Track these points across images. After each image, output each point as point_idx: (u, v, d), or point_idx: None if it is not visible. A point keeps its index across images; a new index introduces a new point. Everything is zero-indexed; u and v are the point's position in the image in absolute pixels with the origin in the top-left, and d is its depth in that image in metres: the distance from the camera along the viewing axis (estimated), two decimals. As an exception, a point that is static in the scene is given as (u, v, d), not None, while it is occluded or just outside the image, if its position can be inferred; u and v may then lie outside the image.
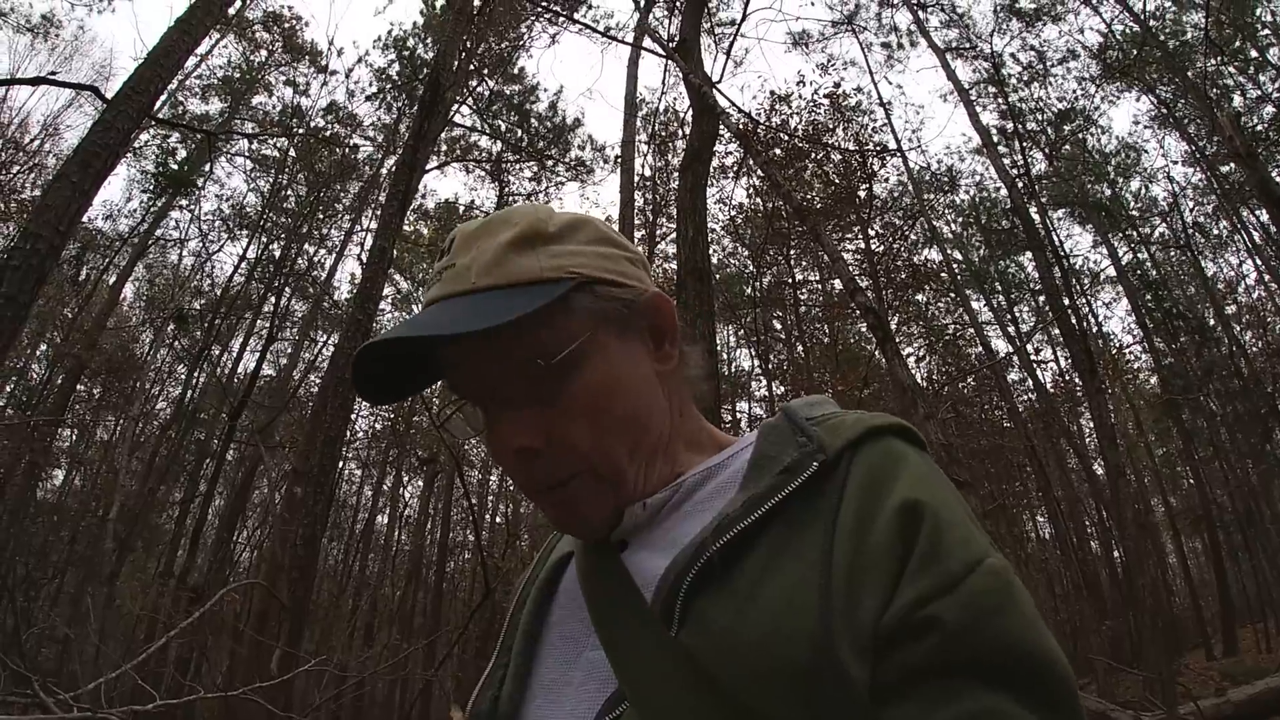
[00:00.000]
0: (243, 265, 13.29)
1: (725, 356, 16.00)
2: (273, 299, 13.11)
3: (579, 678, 0.50)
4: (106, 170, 5.83)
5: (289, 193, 13.26)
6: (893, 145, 11.67)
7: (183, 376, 14.12)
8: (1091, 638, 13.01)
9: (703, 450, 0.59)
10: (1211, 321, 15.80)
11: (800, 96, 10.62)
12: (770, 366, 12.33)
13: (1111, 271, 15.46)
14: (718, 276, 12.13)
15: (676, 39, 6.82)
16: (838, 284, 12.32)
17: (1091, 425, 15.02)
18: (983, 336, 12.17)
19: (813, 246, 11.41)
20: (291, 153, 12.44)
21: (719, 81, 9.06)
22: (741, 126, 8.80)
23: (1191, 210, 15.92)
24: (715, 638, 0.43)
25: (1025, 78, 14.37)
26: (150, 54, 6.04)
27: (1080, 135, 14.96)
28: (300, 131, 12.24)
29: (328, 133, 12.25)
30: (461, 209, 12.86)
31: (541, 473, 0.53)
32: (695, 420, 0.61)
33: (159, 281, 15.22)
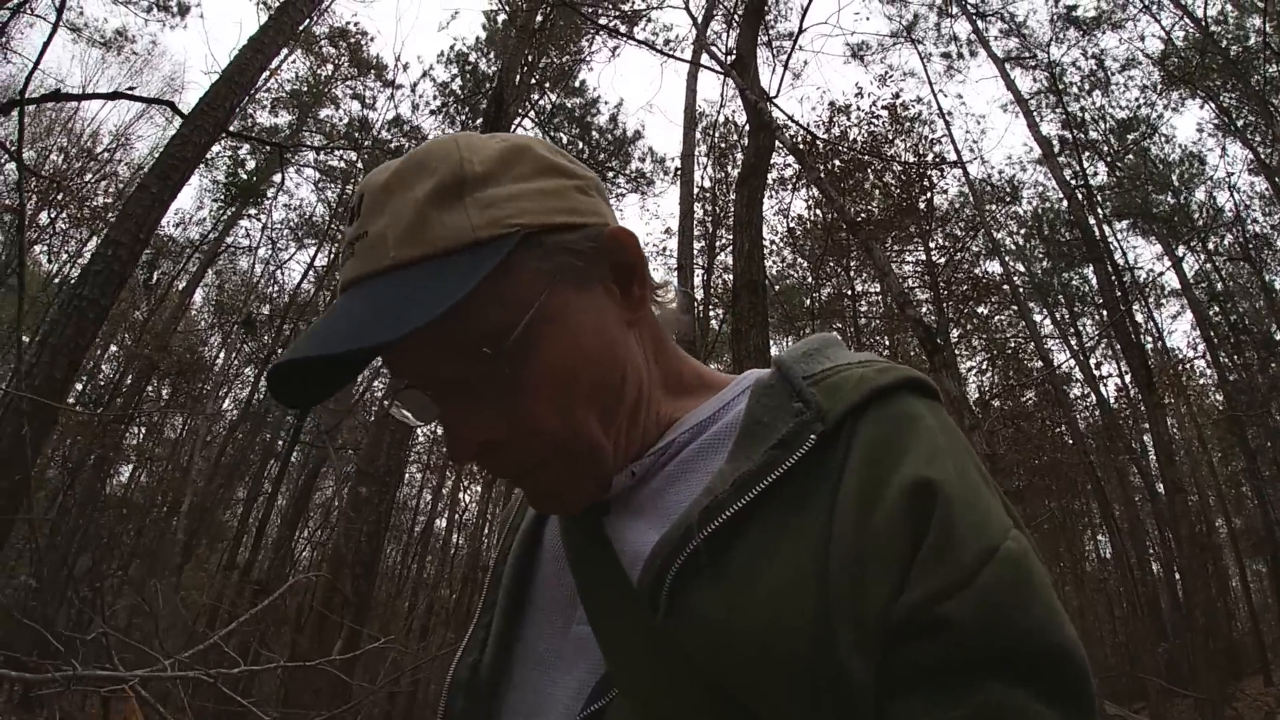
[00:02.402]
0: (310, 274, 13.74)
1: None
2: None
3: (569, 652, 0.47)
4: (182, 181, 6.13)
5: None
6: (952, 156, 11.59)
7: (250, 379, 14.63)
8: (1147, 659, 12.66)
9: (688, 393, 0.54)
10: (1278, 336, 15.27)
11: (859, 109, 10.58)
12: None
13: (1175, 284, 15.07)
14: (776, 288, 12.15)
15: (734, 54, 6.93)
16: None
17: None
18: (1044, 350, 11.96)
19: (871, 258, 11.38)
20: (359, 164, 12.83)
21: (777, 95, 9.10)
22: (798, 141, 8.88)
23: (1256, 221, 15.45)
24: (704, 629, 0.41)
25: (1085, 86, 14.14)
26: (225, 71, 6.34)
27: (1143, 144, 14.62)
28: (367, 145, 12.62)
29: (393, 145, 12.62)
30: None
31: (510, 461, 0.47)
32: (675, 360, 0.55)
33: (228, 288, 15.80)
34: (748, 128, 7.13)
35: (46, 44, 4.52)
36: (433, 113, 12.54)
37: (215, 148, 14.13)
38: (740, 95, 6.97)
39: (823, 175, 8.34)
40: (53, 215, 14.91)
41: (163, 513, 14.50)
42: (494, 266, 0.42)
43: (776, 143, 6.66)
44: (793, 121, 8.33)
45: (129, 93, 6.22)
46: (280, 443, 14.07)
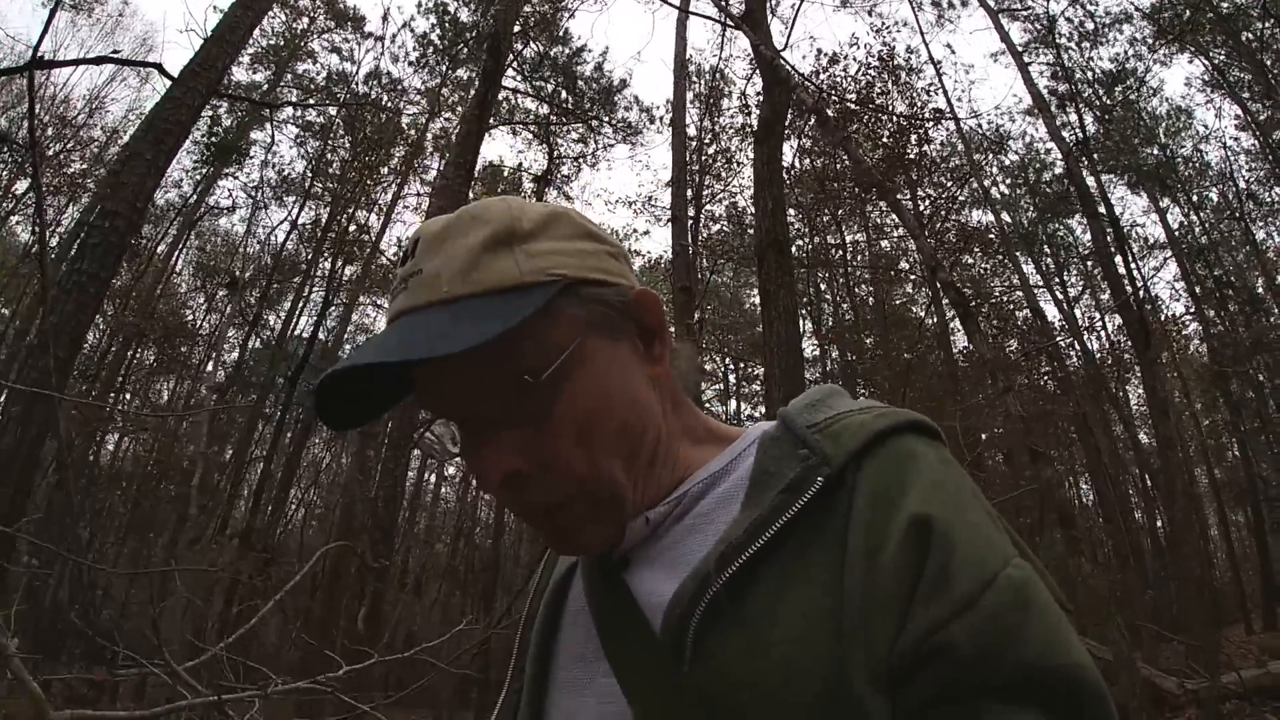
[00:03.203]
0: (293, 233, 13.53)
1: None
2: (327, 263, 13.36)
3: (593, 704, 0.48)
4: (177, 146, 5.98)
5: (334, 157, 13.43)
6: (943, 105, 11.49)
7: (238, 341, 14.51)
8: (1136, 605, 12.98)
9: (701, 445, 0.56)
10: (1262, 291, 15.40)
11: (853, 59, 10.45)
12: (823, 330, 12.33)
13: (1162, 236, 15.13)
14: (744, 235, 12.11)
15: (743, 9, 6.78)
16: (886, 245, 12.24)
17: (1140, 394, 14.88)
18: (1032, 300, 12.02)
19: (862, 208, 11.32)
20: (338, 119, 12.57)
21: (785, 48, 9.00)
22: (813, 100, 8.79)
23: (1245, 177, 15.48)
24: (727, 675, 0.42)
25: (1077, 38, 14.00)
26: (216, 30, 6.15)
27: (1132, 98, 14.55)
28: (349, 100, 12.36)
29: (373, 98, 12.35)
30: (507, 171, 12.93)
31: (533, 497, 0.49)
32: (690, 414, 0.58)
33: (210, 249, 15.56)
34: (761, 84, 7.07)
35: (53, 13, 4.31)
36: (412, 65, 12.28)
37: (192, 107, 13.83)
38: (754, 52, 6.87)
39: (847, 137, 8.28)
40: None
41: (169, 486, 14.42)
42: (538, 307, 0.46)
43: (790, 100, 6.58)
44: (806, 80, 8.19)
45: (116, 57, 6.04)
46: (268, 406, 14.01)
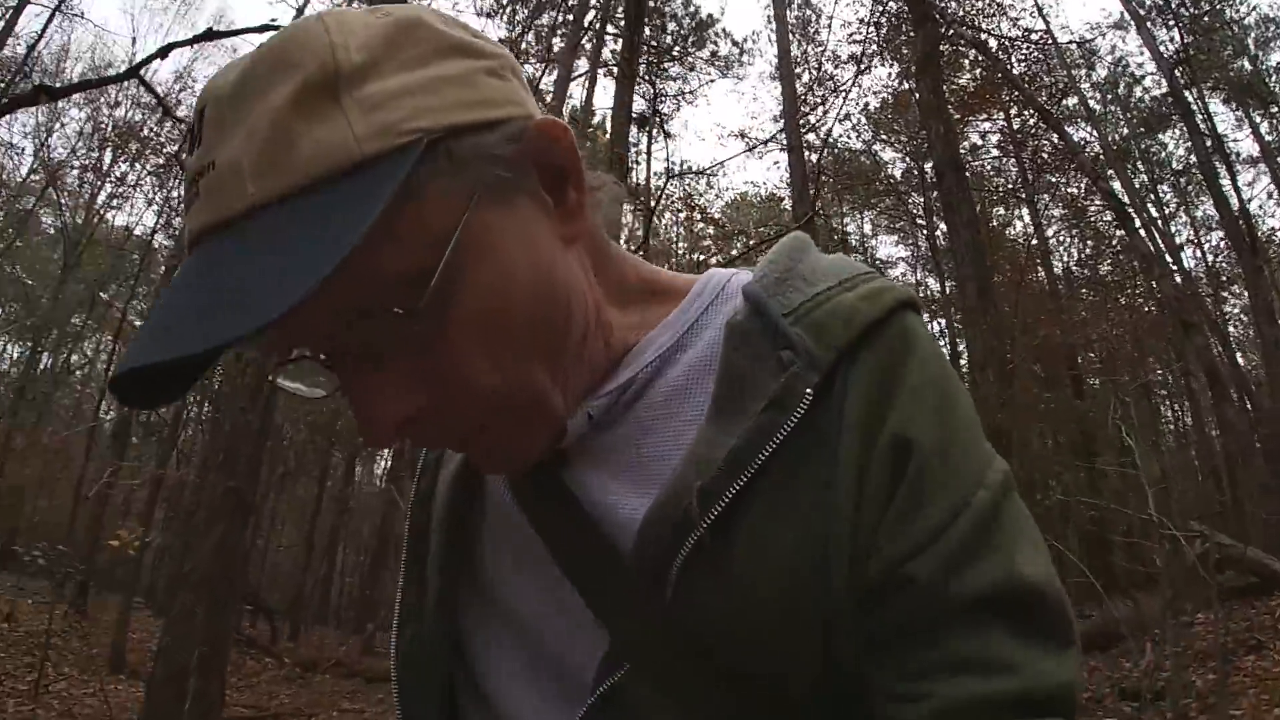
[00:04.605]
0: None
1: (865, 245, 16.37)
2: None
3: (564, 626, 0.43)
4: None
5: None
6: (1037, 21, 11.30)
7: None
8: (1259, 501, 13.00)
9: (637, 304, 0.47)
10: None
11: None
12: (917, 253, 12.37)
13: (1254, 150, 14.69)
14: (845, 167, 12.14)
15: None
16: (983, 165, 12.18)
17: (1239, 307, 14.63)
18: (1125, 218, 11.87)
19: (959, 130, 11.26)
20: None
21: None
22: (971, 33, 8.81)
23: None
24: (712, 614, 0.39)
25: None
26: None
27: (1219, 7, 14.03)
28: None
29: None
30: (601, 114, 13.00)
31: (442, 431, 0.40)
32: (618, 266, 0.47)
33: None
34: (912, 18, 7.23)
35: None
36: (485, 14, 12.30)
37: None
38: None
39: (1011, 70, 8.42)
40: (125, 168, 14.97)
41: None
42: (391, 195, 0.32)
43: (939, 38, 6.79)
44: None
45: (276, 24, 6.31)
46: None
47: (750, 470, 0.38)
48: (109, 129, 14.04)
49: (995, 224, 11.98)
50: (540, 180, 0.40)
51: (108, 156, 14.09)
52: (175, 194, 13.74)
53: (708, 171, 10.67)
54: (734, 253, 14.92)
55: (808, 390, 0.39)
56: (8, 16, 9.98)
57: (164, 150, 13.17)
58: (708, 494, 0.38)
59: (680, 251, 16.30)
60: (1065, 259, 12.86)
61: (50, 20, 11.18)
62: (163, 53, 6.17)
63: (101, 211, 14.44)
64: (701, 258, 13.80)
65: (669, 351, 0.45)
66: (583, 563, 0.42)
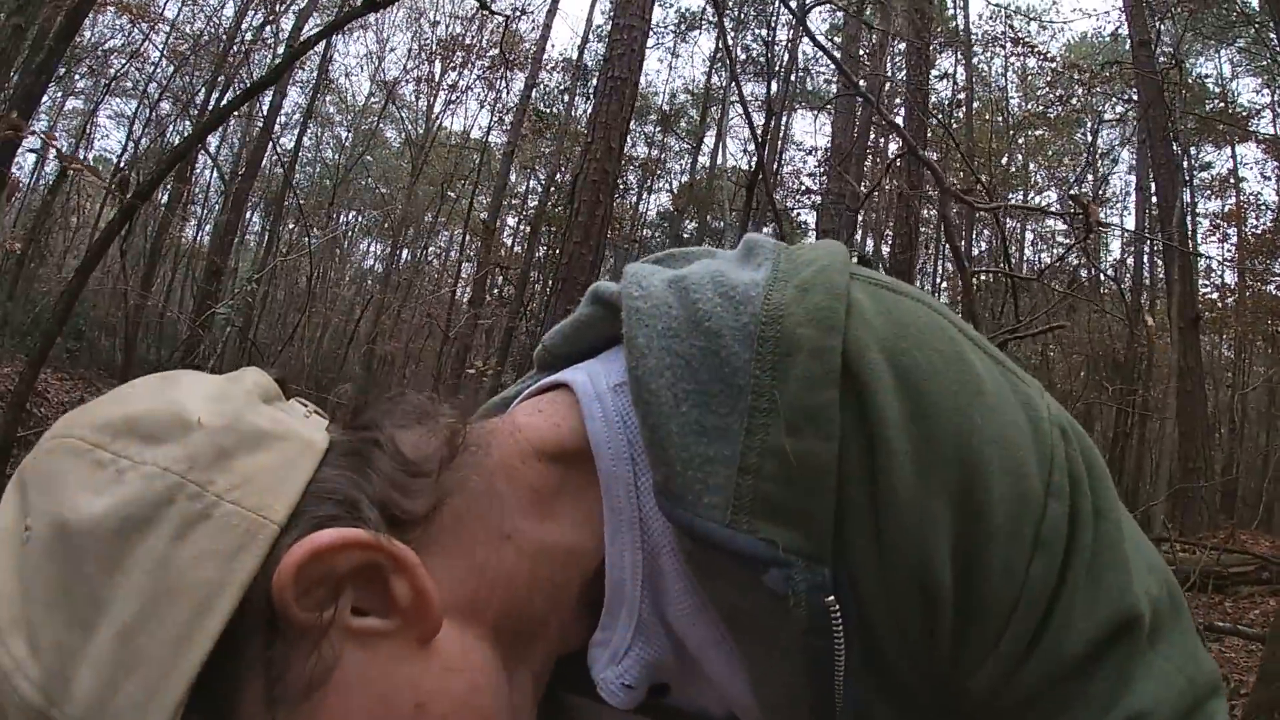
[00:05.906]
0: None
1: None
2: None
3: None
4: None
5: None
6: None
7: None
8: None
9: (554, 518, 0.38)
10: None
11: None
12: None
13: None
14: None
15: None
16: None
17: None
18: None
19: None
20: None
21: None
22: None
23: None
24: None
25: None
26: None
27: None
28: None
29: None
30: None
31: None
32: (513, 504, 0.37)
33: None
34: None
35: None
36: None
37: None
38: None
39: None
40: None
41: None
42: None
43: None
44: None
45: None
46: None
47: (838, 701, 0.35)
48: (434, 44, 15.71)
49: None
50: (347, 610, 0.32)
51: (437, 68, 15.83)
52: (503, 94, 15.18)
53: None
54: (1074, 101, 12.54)
55: (829, 598, 0.33)
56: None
57: (487, 54, 14.45)
58: None
59: (1013, 103, 14.75)
60: None
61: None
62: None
63: (439, 119, 16.46)
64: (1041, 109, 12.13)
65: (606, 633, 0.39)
66: None
